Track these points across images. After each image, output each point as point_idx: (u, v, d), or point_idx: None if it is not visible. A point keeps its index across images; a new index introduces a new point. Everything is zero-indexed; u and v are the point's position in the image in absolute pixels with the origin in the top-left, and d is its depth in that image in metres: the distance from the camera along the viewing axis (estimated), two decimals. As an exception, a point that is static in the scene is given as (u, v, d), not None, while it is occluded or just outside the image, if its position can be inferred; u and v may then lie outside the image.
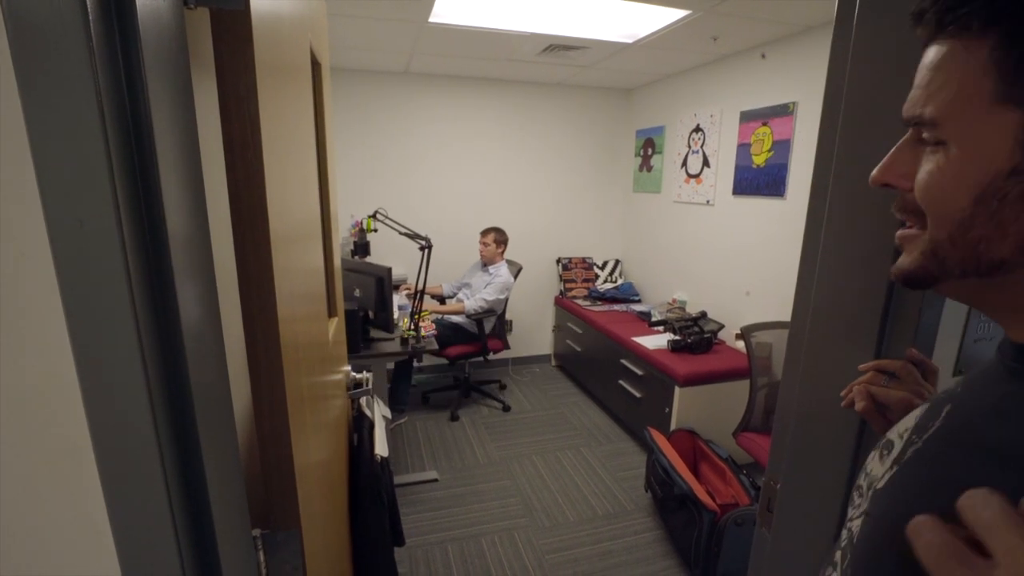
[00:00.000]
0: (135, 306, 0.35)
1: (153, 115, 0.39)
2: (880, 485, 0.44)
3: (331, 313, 1.37)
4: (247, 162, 0.56)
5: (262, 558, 0.63)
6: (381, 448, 1.44)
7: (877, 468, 0.46)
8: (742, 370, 2.64)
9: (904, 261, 0.41)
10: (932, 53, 0.36)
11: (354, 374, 1.60)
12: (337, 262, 1.47)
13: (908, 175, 0.39)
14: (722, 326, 3.01)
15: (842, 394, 0.66)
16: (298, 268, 0.82)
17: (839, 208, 0.76)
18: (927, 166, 0.37)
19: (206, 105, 0.53)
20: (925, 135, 0.37)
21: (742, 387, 2.46)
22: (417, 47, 2.96)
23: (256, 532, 0.65)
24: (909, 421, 0.47)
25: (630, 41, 2.74)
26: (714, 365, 2.76)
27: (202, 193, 0.48)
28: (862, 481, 0.48)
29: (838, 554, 0.47)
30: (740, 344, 2.69)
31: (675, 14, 2.31)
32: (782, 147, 2.63)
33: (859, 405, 0.63)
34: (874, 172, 0.42)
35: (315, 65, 1.17)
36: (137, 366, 0.34)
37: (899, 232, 0.43)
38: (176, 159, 0.43)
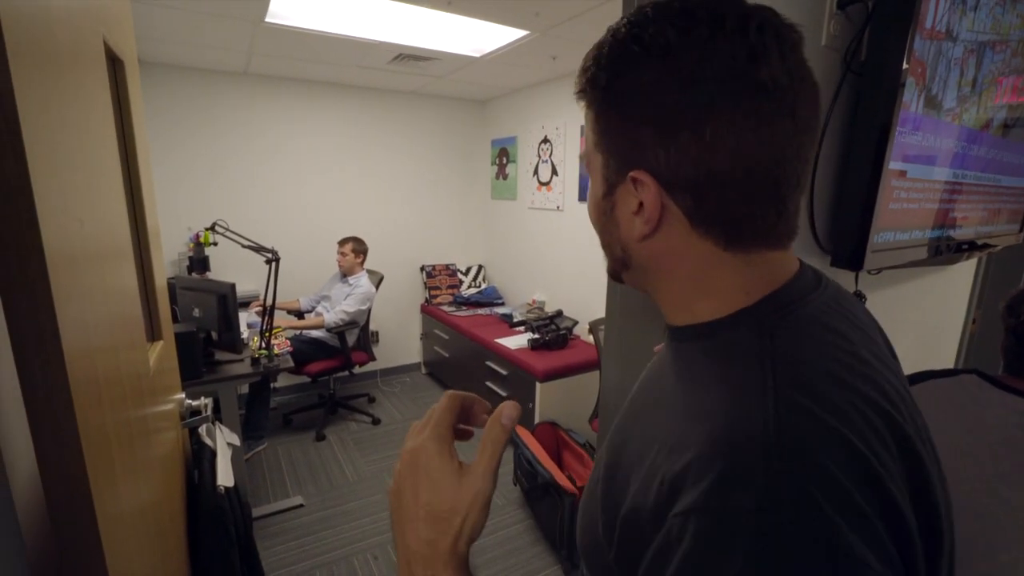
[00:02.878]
0: None
1: None
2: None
3: (154, 337, 1.24)
4: (5, 171, 0.50)
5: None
6: (224, 478, 1.33)
7: None
8: (594, 361, 2.89)
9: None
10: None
11: (189, 402, 1.45)
12: (161, 280, 1.32)
13: None
14: (576, 322, 3.26)
15: None
16: (96, 290, 0.74)
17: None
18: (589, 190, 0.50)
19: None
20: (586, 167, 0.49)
21: (595, 377, 2.69)
22: (255, 47, 2.76)
23: (47, 593, 0.58)
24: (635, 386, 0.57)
25: (478, 55, 2.85)
26: (570, 359, 2.98)
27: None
28: None
29: None
30: (592, 338, 2.94)
31: (516, 33, 2.46)
32: (617, 158, 2.94)
33: None
34: None
35: (115, 62, 1.05)
36: None
37: None
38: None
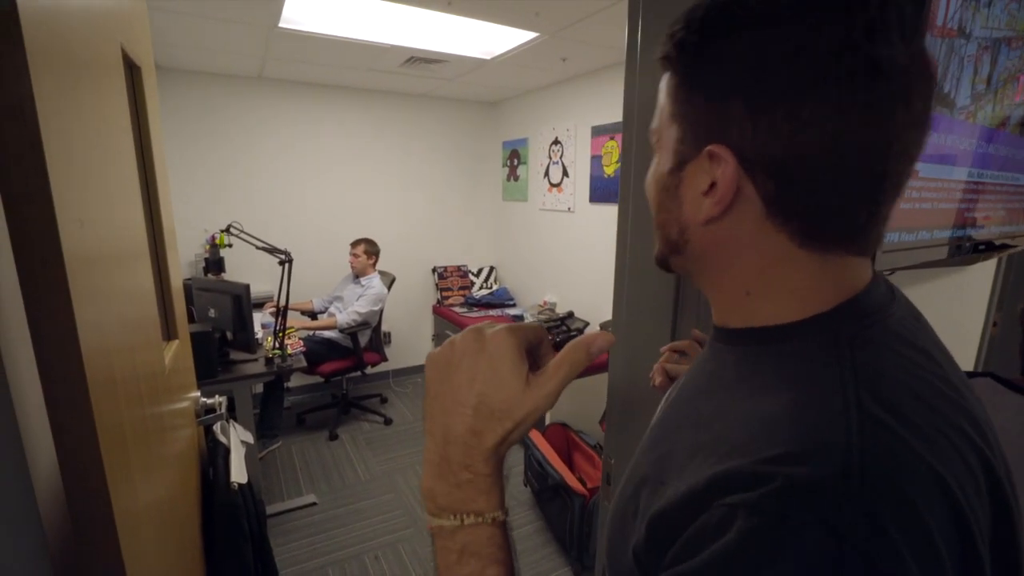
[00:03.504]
0: None
1: None
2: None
3: (170, 336, 1.27)
4: (27, 176, 0.52)
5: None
6: (238, 475, 1.35)
7: None
8: (605, 363, 2.88)
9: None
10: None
11: (204, 400, 1.48)
12: (177, 281, 1.35)
13: None
14: (587, 324, 3.26)
15: (651, 375, 0.77)
16: (113, 291, 0.76)
17: (637, 212, 0.89)
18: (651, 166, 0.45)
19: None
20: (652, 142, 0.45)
21: (606, 379, 2.68)
22: (269, 52, 2.80)
23: (66, 583, 0.60)
24: (671, 394, 0.56)
25: (488, 57, 2.87)
26: (581, 360, 2.97)
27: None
28: None
29: None
30: (603, 338, 2.93)
31: (526, 35, 2.47)
32: (627, 159, 2.93)
33: (656, 380, 0.75)
34: None
35: (133, 68, 1.08)
36: None
37: None
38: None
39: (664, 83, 0.42)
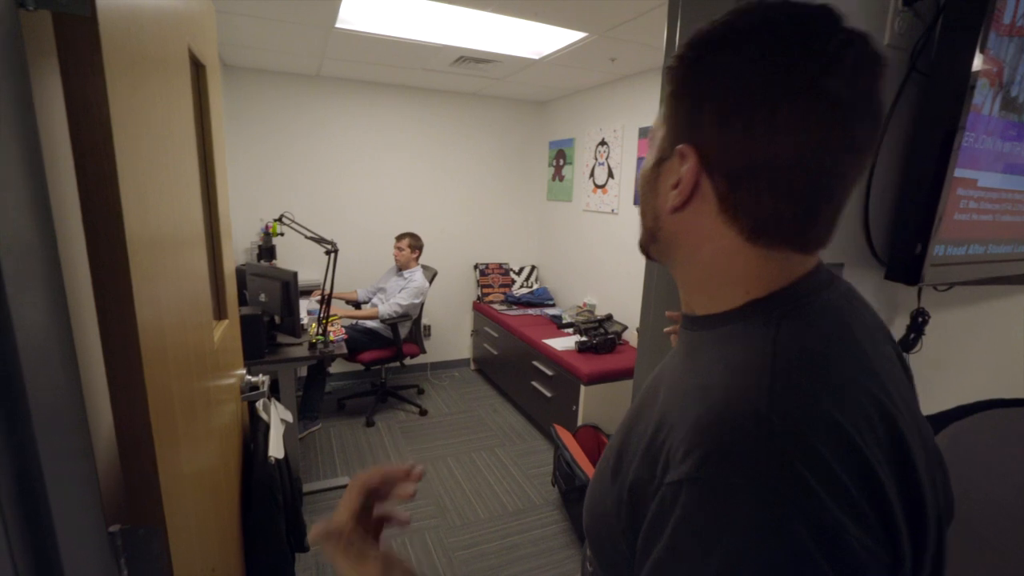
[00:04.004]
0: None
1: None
2: None
3: (220, 316, 1.35)
4: (98, 166, 0.57)
5: (122, 550, 0.64)
6: (275, 450, 1.43)
7: None
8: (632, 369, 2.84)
9: None
10: None
11: (249, 377, 1.57)
12: (229, 266, 1.44)
13: None
14: (625, 327, 3.22)
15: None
16: (170, 272, 0.82)
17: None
18: None
19: (53, 110, 0.54)
20: None
21: (640, 382, 2.65)
22: (326, 52, 2.93)
23: (115, 528, 0.66)
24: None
25: (537, 57, 2.88)
26: (616, 364, 2.94)
27: (46, 199, 0.50)
28: None
29: None
30: (639, 343, 2.89)
31: (575, 35, 2.47)
32: (674, 161, 2.87)
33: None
34: None
35: (198, 67, 1.16)
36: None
37: None
38: (11, 164, 0.45)
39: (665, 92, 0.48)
